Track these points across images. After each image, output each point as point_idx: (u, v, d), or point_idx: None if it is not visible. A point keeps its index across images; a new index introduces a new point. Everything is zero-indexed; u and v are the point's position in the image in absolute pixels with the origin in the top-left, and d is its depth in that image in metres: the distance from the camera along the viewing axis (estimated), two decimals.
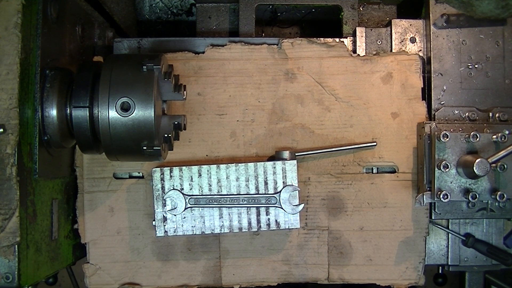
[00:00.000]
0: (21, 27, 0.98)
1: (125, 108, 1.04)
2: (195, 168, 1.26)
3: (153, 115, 1.04)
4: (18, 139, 0.97)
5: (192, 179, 1.26)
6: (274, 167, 1.25)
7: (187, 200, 1.25)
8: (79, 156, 1.31)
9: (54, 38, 1.13)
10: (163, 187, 1.26)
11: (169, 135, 1.14)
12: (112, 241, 1.32)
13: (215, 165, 1.26)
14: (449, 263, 1.37)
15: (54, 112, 1.08)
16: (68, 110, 1.09)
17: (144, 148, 1.06)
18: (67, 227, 1.28)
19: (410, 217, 1.33)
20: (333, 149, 1.31)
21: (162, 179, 1.26)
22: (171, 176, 1.26)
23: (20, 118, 0.98)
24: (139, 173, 1.34)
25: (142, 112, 1.04)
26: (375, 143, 1.31)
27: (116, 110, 1.03)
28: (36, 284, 1.09)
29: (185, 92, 1.18)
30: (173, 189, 1.26)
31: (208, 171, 1.26)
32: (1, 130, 0.96)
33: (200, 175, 1.26)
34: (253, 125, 1.35)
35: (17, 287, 1.00)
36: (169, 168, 1.26)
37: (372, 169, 1.35)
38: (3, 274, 0.98)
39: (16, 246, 0.98)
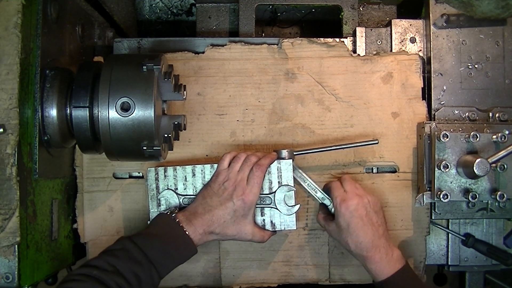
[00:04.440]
0: (21, 27, 0.98)
1: (125, 108, 1.03)
2: (189, 168, 1.26)
3: (153, 115, 1.04)
4: (18, 139, 0.97)
5: (186, 178, 1.26)
6: (269, 167, 1.24)
7: (181, 200, 1.25)
8: (79, 156, 1.31)
9: (54, 38, 1.13)
10: (157, 187, 1.26)
11: (169, 135, 1.14)
12: (112, 241, 1.30)
13: (208, 165, 1.25)
14: (449, 263, 1.36)
15: (54, 112, 1.07)
16: (68, 110, 1.09)
17: (144, 148, 1.06)
18: (67, 227, 1.28)
19: (411, 217, 1.33)
20: (333, 146, 1.29)
21: (157, 179, 1.26)
22: (165, 176, 1.26)
23: (20, 118, 0.98)
24: (139, 173, 1.34)
25: (142, 112, 1.04)
26: (376, 141, 1.28)
27: (116, 110, 1.03)
28: (36, 284, 1.09)
29: (185, 92, 1.18)
30: (167, 188, 1.25)
31: (202, 170, 1.25)
32: (1, 130, 0.95)
33: (194, 174, 1.26)
34: (253, 125, 1.35)
35: (17, 287, 0.99)
36: (163, 168, 1.26)
37: (373, 169, 1.35)
38: (3, 274, 0.98)
39: (16, 246, 0.98)
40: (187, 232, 1.13)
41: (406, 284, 1.15)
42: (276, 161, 1.24)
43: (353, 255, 1.20)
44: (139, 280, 1.04)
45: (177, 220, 1.15)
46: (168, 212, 1.18)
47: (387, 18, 1.57)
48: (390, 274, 1.14)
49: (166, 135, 1.13)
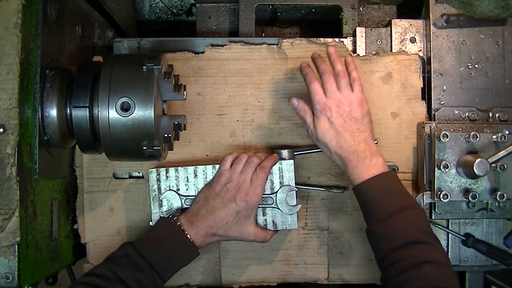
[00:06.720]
0: (21, 27, 0.98)
1: (125, 108, 1.03)
2: (190, 169, 1.26)
3: (153, 115, 1.04)
4: (18, 139, 0.97)
5: (188, 179, 1.26)
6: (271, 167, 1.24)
7: (183, 201, 1.25)
8: (79, 156, 1.31)
9: (54, 38, 1.13)
10: (159, 188, 1.26)
11: (169, 135, 1.14)
12: (112, 241, 1.32)
13: (210, 165, 1.26)
14: None
15: (54, 112, 1.08)
16: (68, 110, 1.09)
17: (144, 148, 1.06)
18: (67, 227, 1.28)
19: None
20: None
21: (158, 180, 1.26)
22: (167, 177, 1.26)
23: (20, 118, 0.98)
24: (139, 173, 1.34)
25: (142, 112, 1.04)
26: (375, 141, 1.28)
27: (116, 110, 1.03)
28: (36, 284, 1.09)
29: (185, 92, 1.18)
30: (169, 189, 1.25)
31: (204, 171, 1.26)
32: (1, 130, 0.96)
33: (196, 175, 1.26)
34: (253, 125, 1.35)
35: (17, 287, 1.00)
36: (165, 168, 1.26)
37: None
38: (3, 274, 0.98)
39: (16, 246, 0.98)
40: (188, 236, 1.14)
41: (381, 189, 1.11)
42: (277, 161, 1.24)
43: (333, 159, 1.19)
44: (142, 286, 1.05)
45: (178, 223, 1.15)
46: (169, 215, 1.19)
47: (387, 18, 1.57)
48: (366, 179, 1.11)
49: (166, 135, 1.14)
